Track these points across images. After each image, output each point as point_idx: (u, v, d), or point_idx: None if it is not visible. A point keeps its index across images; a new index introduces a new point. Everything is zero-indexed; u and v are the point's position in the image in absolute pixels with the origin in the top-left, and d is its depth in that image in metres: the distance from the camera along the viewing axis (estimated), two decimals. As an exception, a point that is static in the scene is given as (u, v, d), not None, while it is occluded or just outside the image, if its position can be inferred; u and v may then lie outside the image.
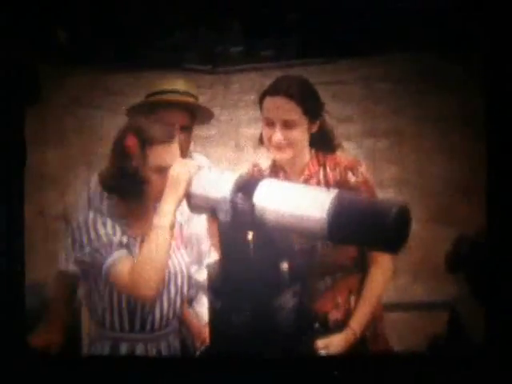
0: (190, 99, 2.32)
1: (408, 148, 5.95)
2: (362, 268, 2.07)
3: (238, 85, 11.43)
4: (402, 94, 7.91)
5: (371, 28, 10.03)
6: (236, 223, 1.65)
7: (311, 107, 1.96)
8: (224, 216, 1.65)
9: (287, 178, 2.07)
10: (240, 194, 1.62)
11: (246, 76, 12.66)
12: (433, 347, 2.07)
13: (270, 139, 1.95)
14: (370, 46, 9.96)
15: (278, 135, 1.91)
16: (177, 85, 2.32)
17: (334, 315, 2.07)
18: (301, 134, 1.95)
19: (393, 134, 6.61)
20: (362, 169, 2.01)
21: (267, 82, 2.01)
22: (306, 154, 2.04)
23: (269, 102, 1.94)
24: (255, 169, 2.15)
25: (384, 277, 2.05)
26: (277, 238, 1.66)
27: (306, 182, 2.02)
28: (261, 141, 2.08)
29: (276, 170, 2.11)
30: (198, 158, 2.49)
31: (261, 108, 2.01)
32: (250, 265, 1.70)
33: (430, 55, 8.43)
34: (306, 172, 2.03)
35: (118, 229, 2.00)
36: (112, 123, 2.53)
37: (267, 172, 2.12)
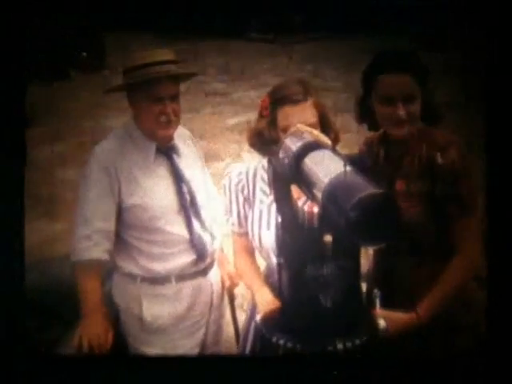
0: (173, 67, 2.18)
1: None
2: (446, 253, 1.93)
3: (299, 54, 11.42)
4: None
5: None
6: (284, 174, 1.70)
7: (422, 76, 1.89)
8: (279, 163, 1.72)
9: (388, 150, 1.99)
10: (300, 152, 1.65)
11: (306, 46, 12.62)
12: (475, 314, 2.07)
13: (389, 116, 1.88)
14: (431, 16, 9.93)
15: (401, 111, 1.85)
16: (159, 56, 2.16)
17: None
18: (419, 107, 1.88)
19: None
20: (453, 151, 1.85)
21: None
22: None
23: (385, 79, 1.88)
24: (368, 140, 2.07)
25: (465, 268, 1.91)
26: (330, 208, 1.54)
27: (403, 157, 1.94)
28: (360, 119, 2.01)
29: (386, 140, 2.01)
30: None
31: (370, 86, 1.93)
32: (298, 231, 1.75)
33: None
34: (410, 147, 1.93)
35: None
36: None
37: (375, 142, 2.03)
